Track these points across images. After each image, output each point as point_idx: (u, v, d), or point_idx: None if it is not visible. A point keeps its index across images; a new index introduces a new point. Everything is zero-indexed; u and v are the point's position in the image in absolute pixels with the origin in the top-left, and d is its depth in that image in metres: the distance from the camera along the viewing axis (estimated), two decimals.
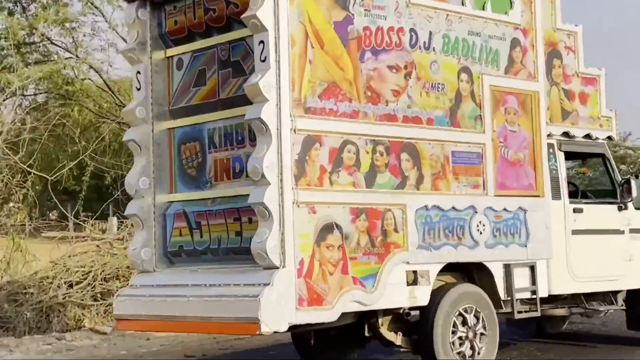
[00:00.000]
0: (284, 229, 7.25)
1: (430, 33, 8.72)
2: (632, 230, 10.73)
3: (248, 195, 7.33)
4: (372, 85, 8.12)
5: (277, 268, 7.18)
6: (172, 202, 8.48)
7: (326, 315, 7.57)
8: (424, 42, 8.66)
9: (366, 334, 8.58)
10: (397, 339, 8.42)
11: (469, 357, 8.49)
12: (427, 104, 8.55)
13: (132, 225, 9.19)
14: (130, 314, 8.44)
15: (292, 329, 7.45)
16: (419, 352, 8.50)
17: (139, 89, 8.61)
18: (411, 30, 8.54)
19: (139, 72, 8.59)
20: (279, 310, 7.18)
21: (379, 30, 8.25)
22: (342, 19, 7.94)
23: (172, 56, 8.64)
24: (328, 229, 7.58)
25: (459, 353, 8.39)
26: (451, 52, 8.92)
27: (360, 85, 8.04)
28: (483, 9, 9.28)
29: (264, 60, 7.35)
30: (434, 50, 8.71)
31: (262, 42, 7.39)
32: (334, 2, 7.90)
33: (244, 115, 7.40)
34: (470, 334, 8.56)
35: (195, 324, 7.90)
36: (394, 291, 8.01)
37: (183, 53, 8.55)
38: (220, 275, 7.79)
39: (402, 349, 8.57)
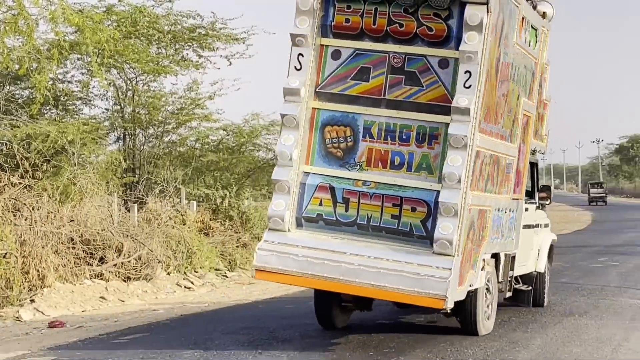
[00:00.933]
0: (462, 225, 9.57)
1: (516, 67, 11.02)
2: (537, 225, 13.81)
3: (411, 187, 9.92)
4: (497, 110, 10.49)
5: (453, 256, 9.51)
6: (309, 173, 10.27)
7: (463, 293, 10.01)
8: (513, 74, 10.94)
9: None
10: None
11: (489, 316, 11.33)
12: (507, 124, 11.01)
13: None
14: (272, 268, 10.11)
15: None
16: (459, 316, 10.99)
17: (298, 69, 10.21)
18: (512, 64, 10.81)
19: (301, 55, 10.18)
20: (455, 290, 9.60)
21: (506, 64, 10.52)
22: (497, 56, 10.17)
23: (327, 45, 10.26)
24: (471, 226, 9.96)
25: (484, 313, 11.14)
26: (516, 80, 11.09)
27: (497, 109, 10.45)
28: (528, 44, 11.57)
29: (468, 87, 9.61)
30: (513, 79, 10.97)
31: (468, 72, 9.61)
32: (497, 40, 10.05)
33: (416, 120, 9.97)
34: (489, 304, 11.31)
35: (366, 288, 9.86)
36: (477, 274, 10.39)
37: (343, 47, 10.24)
38: (380, 248, 9.92)
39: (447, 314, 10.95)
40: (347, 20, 10.23)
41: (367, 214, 10.09)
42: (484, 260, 10.67)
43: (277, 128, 39.57)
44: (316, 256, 9.99)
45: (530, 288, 13.26)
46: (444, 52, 9.99)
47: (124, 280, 17.40)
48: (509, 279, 12.22)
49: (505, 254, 11.79)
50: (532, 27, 11.69)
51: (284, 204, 10.14)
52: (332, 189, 10.20)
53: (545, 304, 13.92)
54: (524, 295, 13.27)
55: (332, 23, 10.24)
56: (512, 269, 12.22)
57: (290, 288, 17.12)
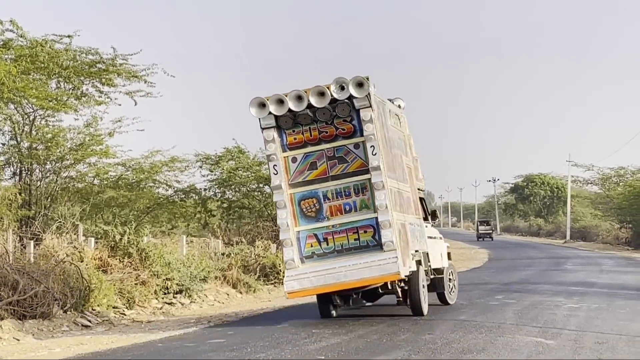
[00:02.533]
0: (395, 232, 16.78)
1: (394, 139, 18.84)
2: (436, 237, 21.37)
3: (360, 219, 17.10)
4: (393, 165, 18.27)
5: (396, 249, 16.69)
6: (299, 230, 17.25)
7: (407, 271, 17.25)
8: (394, 143, 18.80)
9: (381, 290, 18.30)
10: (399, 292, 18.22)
11: (425, 298, 18.69)
12: (399, 173, 18.76)
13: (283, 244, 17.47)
14: (297, 289, 16.99)
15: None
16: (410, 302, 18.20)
17: (276, 174, 17.22)
18: (392, 138, 18.60)
19: (275, 165, 17.21)
20: (402, 268, 16.70)
21: (389, 138, 18.36)
22: (384, 134, 17.71)
23: (287, 156, 17.38)
24: (399, 232, 17.13)
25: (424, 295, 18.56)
26: (396, 146, 18.95)
27: (393, 164, 18.08)
28: (397, 125, 19.52)
29: (375, 155, 16.79)
30: (394, 146, 18.90)
31: (372, 146, 16.85)
32: (382, 125, 17.53)
33: (351, 182, 17.20)
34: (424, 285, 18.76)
35: (355, 283, 16.97)
36: (412, 261, 17.91)
37: (297, 154, 17.38)
38: (353, 259, 16.94)
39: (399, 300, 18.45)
40: (295, 139, 17.43)
41: (339, 242, 17.31)
42: (412, 253, 18.00)
43: (178, 164, 39.54)
44: (318, 275, 16.96)
45: (442, 276, 20.55)
46: (355, 140, 17.32)
47: (19, 319, 17.05)
48: (430, 268, 19.86)
49: (423, 251, 19.26)
50: (396, 114, 19.45)
51: (291, 252, 17.15)
52: (315, 235, 17.34)
53: (450, 301, 20.82)
54: (437, 283, 20.38)
55: (287, 143, 17.43)
56: (429, 261, 19.79)
57: (189, 325, 16.93)
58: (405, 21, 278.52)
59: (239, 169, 40.46)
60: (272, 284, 29.56)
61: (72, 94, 26.15)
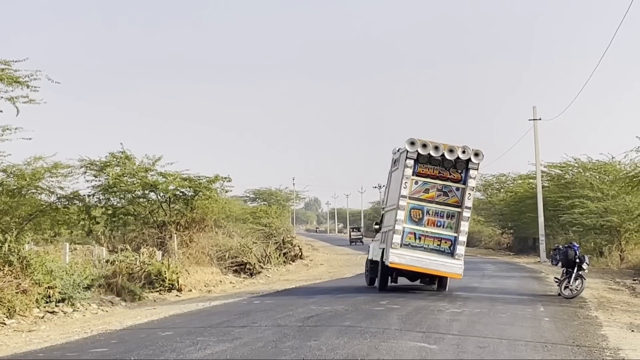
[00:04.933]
0: (463, 248, 26.08)
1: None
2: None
3: (446, 234, 25.87)
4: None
5: (461, 260, 25.86)
6: (405, 227, 25.74)
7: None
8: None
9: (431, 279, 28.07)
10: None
11: None
12: None
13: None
14: (397, 262, 25.76)
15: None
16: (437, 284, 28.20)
17: (405, 188, 25.66)
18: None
19: (406, 182, 25.64)
20: (462, 271, 26.23)
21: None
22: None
23: (414, 179, 25.79)
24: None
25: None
26: None
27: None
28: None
29: (469, 199, 26.11)
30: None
31: (469, 193, 25.98)
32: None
33: (446, 209, 25.94)
34: None
35: (433, 271, 26.24)
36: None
37: (420, 180, 25.92)
38: (434, 256, 25.73)
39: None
40: (422, 170, 25.98)
41: (428, 243, 25.82)
42: None
43: (62, 170, 38.80)
44: (411, 258, 25.69)
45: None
46: (459, 185, 25.95)
47: None
48: None
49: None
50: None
51: (398, 238, 25.59)
52: (414, 233, 25.87)
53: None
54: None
55: (417, 171, 25.92)
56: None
57: (71, 335, 16.64)
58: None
59: (125, 175, 39.92)
60: (157, 291, 29.26)
61: None
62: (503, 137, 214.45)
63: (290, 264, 51.28)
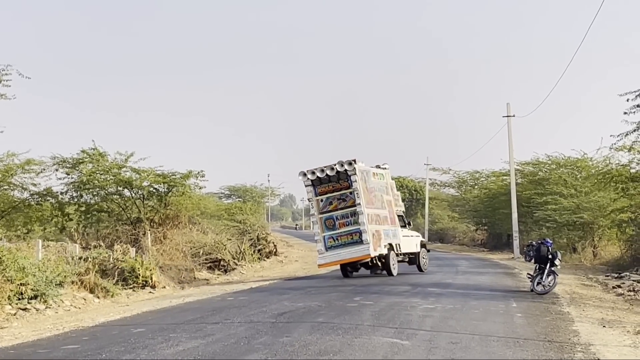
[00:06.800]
0: (369, 236, 33.34)
1: (376, 187, 35.68)
2: (405, 235, 37.36)
3: (354, 229, 33.43)
4: (372, 200, 34.77)
5: (369, 244, 33.25)
6: (324, 235, 33.74)
7: (376, 253, 34.02)
8: (376, 188, 35.65)
9: (370, 264, 34.85)
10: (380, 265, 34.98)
11: (396, 267, 35.56)
12: (377, 204, 35.60)
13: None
14: (323, 262, 34.05)
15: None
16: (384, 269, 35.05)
17: (313, 208, 34.20)
18: (374, 187, 35.27)
19: (312, 204, 34.25)
20: (373, 252, 33.58)
21: (371, 188, 34.91)
22: (365, 185, 34.20)
23: (317, 199, 33.94)
24: (374, 235, 33.80)
25: (394, 265, 35.79)
26: (377, 189, 35.84)
27: (372, 200, 34.70)
28: (381, 178, 36.74)
29: (358, 197, 33.31)
30: (376, 190, 35.84)
31: (357, 193, 33.32)
32: (364, 182, 34.24)
33: (348, 211, 33.71)
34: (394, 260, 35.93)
35: (351, 259, 33.83)
36: (383, 249, 34.55)
37: (323, 198, 33.91)
38: (350, 248, 33.46)
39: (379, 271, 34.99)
40: (321, 190, 33.85)
41: (344, 240, 33.55)
42: (384, 245, 34.43)
43: (34, 166, 38.64)
44: (334, 256, 33.60)
45: (415, 256, 37.84)
46: (349, 190, 33.51)
47: None
48: (400, 252, 36.08)
49: (395, 244, 35.63)
50: (380, 173, 36.29)
51: (322, 246, 33.64)
52: (332, 237, 33.64)
53: (424, 269, 37.97)
54: (414, 260, 37.65)
55: (318, 192, 33.88)
56: (400, 249, 36.13)
57: (43, 332, 16.54)
58: None
59: (98, 172, 39.77)
60: (130, 288, 29.17)
61: None
62: (479, 133, 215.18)
63: (264, 260, 51.19)
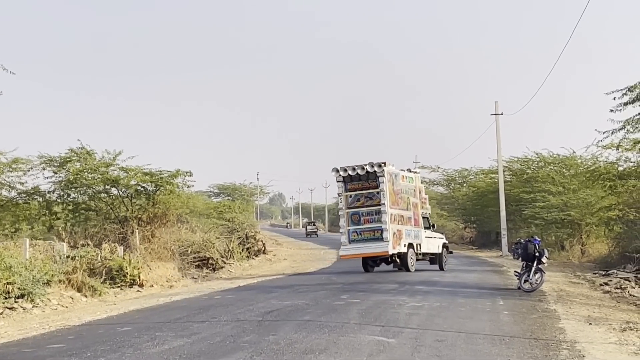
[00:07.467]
0: (390, 234, 35.57)
1: (403, 189, 37.93)
2: (435, 237, 40.00)
3: (377, 226, 35.85)
4: (397, 201, 37.01)
5: (389, 242, 35.46)
6: (349, 228, 36.41)
7: (395, 252, 35.99)
8: (402, 190, 37.87)
9: (390, 260, 36.71)
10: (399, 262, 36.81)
11: (413, 264, 37.61)
12: (403, 205, 37.71)
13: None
14: (346, 254, 36.73)
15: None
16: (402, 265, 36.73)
17: (342, 202, 36.75)
18: (401, 189, 37.52)
19: (341, 198, 36.86)
20: (392, 250, 35.73)
21: (398, 189, 37.09)
22: (392, 187, 36.44)
23: (347, 194, 36.56)
24: (394, 234, 35.99)
25: (411, 262, 37.58)
26: (405, 192, 37.82)
27: (397, 200, 37.05)
28: (409, 181, 39.31)
29: (384, 197, 35.64)
30: (403, 192, 37.96)
31: (383, 194, 35.70)
32: (391, 183, 36.47)
33: (373, 209, 36.01)
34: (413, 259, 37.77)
35: (371, 254, 36.26)
36: (402, 248, 36.50)
37: (351, 194, 36.53)
38: (371, 243, 35.87)
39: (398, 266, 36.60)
40: (352, 187, 36.51)
41: (366, 235, 35.97)
42: (404, 244, 36.36)
43: (21, 165, 38.57)
44: (356, 249, 36.10)
45: (436, 257, 39.50)
46: (376, 190, 35.85)
47: None
48: (420, 252, 38.04)
49: (416, 244, 37.67)
50: (409, 177, 38.67)
51: (345, 239, 36.29)
52: (356, 231, 36.24)
53: (445, 268, 38.85)
54: (435, 260, 39.36)
55: (348, 188, 36.54)
56: (421, 249, 38.12)
57: (29, 330, 16.46)
58: None
59: (86, 170, 39.69)
60: (118, 287, 29.13)
61: None
62: (468, 131, 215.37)
63: (253, 258, 51.23)
